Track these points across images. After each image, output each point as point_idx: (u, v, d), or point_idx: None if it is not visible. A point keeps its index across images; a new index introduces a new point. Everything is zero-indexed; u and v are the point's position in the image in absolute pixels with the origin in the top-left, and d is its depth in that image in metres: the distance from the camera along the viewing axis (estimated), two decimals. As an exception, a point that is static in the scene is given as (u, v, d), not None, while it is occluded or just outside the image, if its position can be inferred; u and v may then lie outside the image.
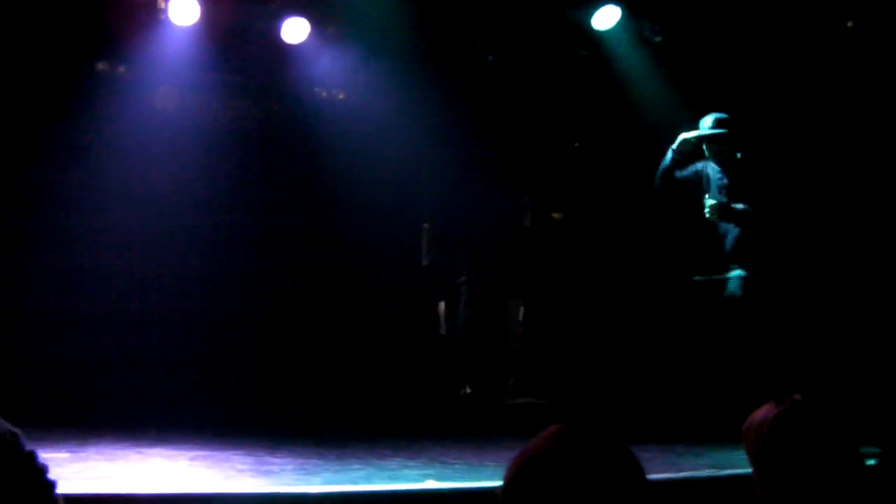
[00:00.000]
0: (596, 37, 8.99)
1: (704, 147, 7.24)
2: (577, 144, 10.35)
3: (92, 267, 9.08)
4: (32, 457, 2.15)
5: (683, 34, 9.07)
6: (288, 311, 9.72)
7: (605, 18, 8.84)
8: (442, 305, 9.98)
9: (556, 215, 10.40)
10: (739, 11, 8.89)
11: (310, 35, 9.05)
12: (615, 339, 9.76)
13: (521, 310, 10.16)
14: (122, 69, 9.23)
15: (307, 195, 9.89)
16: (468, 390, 9.73)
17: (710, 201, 7.18)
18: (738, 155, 7.22)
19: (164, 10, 8.67)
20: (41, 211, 8.89)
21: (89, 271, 9.05)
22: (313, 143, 9.75)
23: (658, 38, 8.95)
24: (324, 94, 9.75)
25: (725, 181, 7.26)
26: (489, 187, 10.03)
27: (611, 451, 1.92)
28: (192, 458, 6.27)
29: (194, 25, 8.73)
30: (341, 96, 9.76)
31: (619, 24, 8.85)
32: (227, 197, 9.56)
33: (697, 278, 7.43)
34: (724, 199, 7.18)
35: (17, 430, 2.16)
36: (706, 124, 7.20)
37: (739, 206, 7.15)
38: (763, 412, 2.62)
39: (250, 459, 6.24)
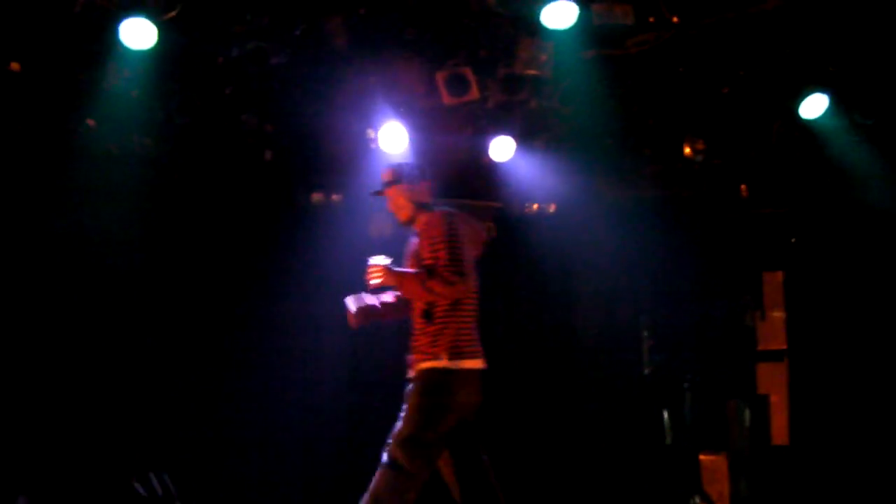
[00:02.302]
0: (806, 125, 8.86)
1: None
2: (793, 240, 10.12)
3: (303, 393, 9.37)
4: None
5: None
6: (505, 423, 9.74)
7: (814, 107, 8.69)
8: (666, 413, 9.80)
9: (776, 314, 10.15)
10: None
11: (517, 152, 9.22)
12: (851, 435, 9.40)
13: (748, 412, 9.87)
14: (336, 198, 9.55)
15: (524, 310, 9.96)
16: (698, 500, 9.46)
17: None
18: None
19: (374, 139, 8.97)
20: (260, 336, 9.24)
21: (300, 397, 9.35)
22: (528, 257, 9.88)
23: (870, 121, 8.72)
24: (535, 206, 9.86)
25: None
26: (708, 289, 9.91)
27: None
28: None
29: (404, 151, 9.03)
30: (552, 209, 9.85)
31: (827, 110, 8.70)
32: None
33: None
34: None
35: None
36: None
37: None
38: None
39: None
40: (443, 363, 5.84)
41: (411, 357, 6.04)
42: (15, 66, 7.78)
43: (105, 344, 8.57)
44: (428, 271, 5.82)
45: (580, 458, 9.67)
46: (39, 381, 8.25)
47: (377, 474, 5.82)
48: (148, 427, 8.77)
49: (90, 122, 8.31)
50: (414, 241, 6.14)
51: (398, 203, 6.27)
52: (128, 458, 8.58)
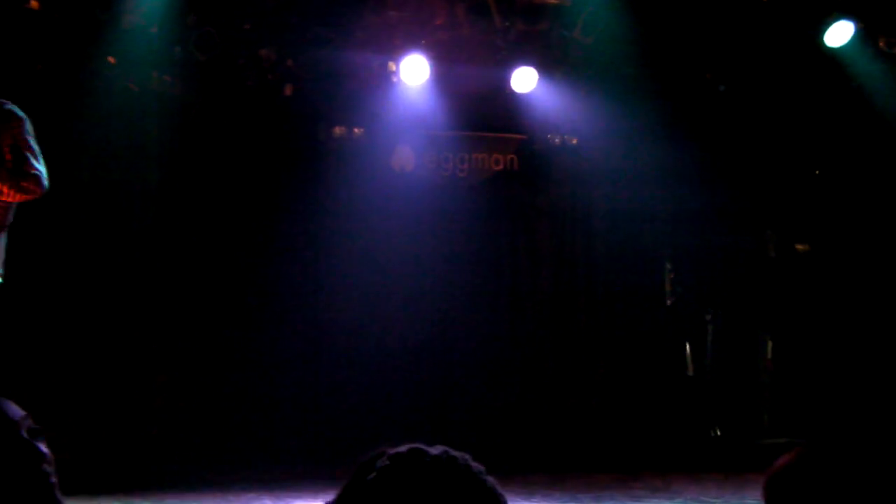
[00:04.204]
0: (830, 55, 8.74)
1: None
2: (818, 171, 10.03)
3: (327, 328, 9.37)
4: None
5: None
6: (533, 360, 9.76)
7: (838, 35, 8.58)
8: (688, 345, 9.81)
9: (800, 247, 10.09)
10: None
11: (539, 83, 9.14)
12: (870, 371, 9.36)
13: (770, 345, 9.87)
14: (358, 132, 9.51)
15: (549, 244, 9.92)
16: (718, 432, 9.50)
17: None
18: None
19: (396, 72, 8.92)
20: (281, 268, 9.24)
21: (323, 335, 9.36)
22: (550, 190, 9.84)
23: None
24: (557, 140, 9.79)
25: None
26: (731, 222, 9.85)
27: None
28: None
29: (425, 84, 8.99)
30: (574, 141, 9.77)
31: (852, 39, 8.58)
32: (468, 253, 9.67)
33: None
34: None
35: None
36: None
37: None
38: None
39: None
40: None
41: None
42: (34, 4, 7.76)
43: (119, 279, 8.62)
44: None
45: (601, 388, 9.68)
46: (54, 319, 8.32)
47: None
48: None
49: (110, 59, 8.29)
50: None
51: None
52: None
